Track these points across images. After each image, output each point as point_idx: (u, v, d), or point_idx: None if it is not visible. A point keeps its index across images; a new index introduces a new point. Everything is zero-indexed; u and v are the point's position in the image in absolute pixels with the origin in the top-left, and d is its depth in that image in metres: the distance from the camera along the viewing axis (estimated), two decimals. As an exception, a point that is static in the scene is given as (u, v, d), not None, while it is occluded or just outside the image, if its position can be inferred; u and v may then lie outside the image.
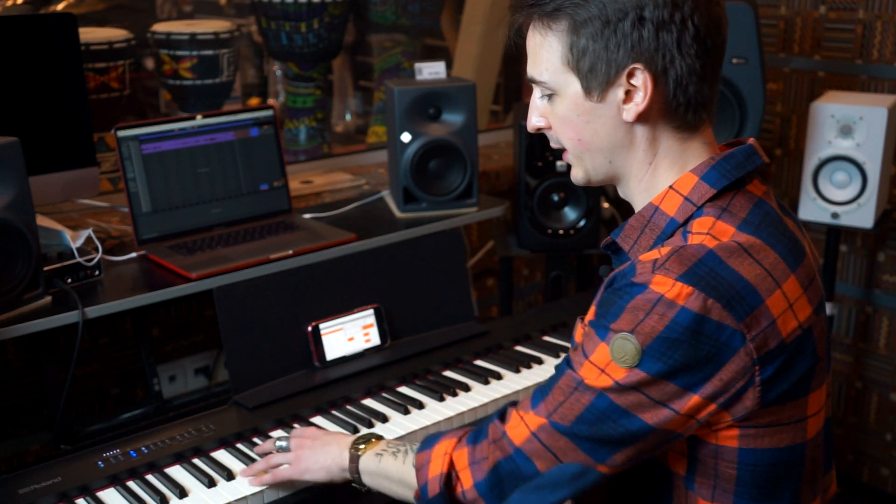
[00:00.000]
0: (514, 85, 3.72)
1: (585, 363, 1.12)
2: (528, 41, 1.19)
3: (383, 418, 1.72)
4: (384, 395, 1.82)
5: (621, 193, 1.24)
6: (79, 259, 1.79)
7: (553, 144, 1.25)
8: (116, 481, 1.55)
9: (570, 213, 2.42)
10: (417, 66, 2.26)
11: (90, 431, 1.86)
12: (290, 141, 3.00)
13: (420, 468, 1.28)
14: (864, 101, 2.55)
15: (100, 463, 1.58)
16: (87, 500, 1.50)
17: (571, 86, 1.15)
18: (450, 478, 1.24)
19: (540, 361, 1.94)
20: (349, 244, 2.02)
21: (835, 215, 2.56)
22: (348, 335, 1.92)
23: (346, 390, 1.81)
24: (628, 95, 1.12)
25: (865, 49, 2.83)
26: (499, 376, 1.87)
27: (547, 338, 2.06)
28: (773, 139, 3.07)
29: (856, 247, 2.96)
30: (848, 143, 2.52)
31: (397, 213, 2.25)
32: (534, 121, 1.22)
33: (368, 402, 1.80)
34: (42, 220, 1.87)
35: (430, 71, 2.26)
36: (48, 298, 1.72)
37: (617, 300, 1.09)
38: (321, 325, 1.89)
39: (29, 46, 1.90)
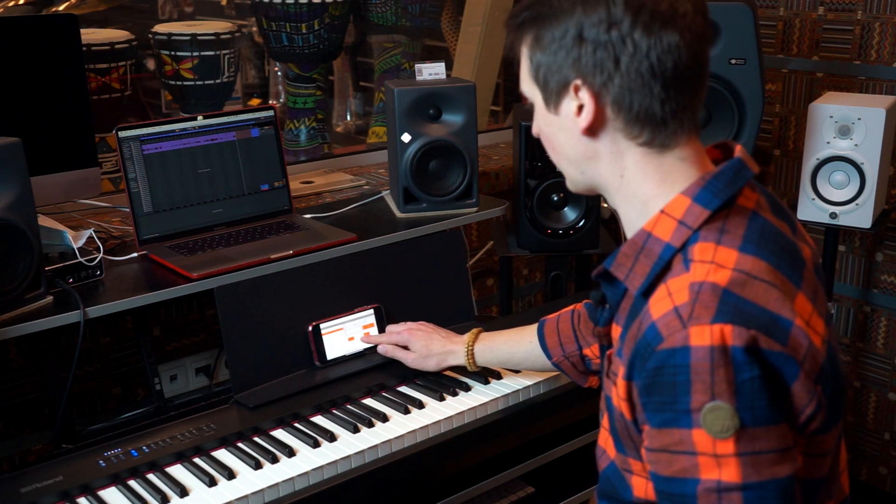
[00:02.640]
0: (513, 85, 3.73)
1: (700, 460, 1.02)
2: None
3: (384, 418, 1.73)
4: (384, 394, 1.82)
5: (609, 203, 1.23)
6: (80, 259, 1.80)
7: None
8: (118, 480, 1.55)
9: (569, 213, 2.43)
10: (417, 66, 2.27)
11: (91, 431, 1.86)
12: (290, 141, 3.01)
13: None
14: (862, 102, 2.56)
15: (101, 462, 1.58)
16: (88, 499, 1.51)
17: (537, 98, 1.19)
18: None
19: (539, 361, 1.94)
20: (349, 244, 2.03)
21: (833, 215, 2.57)
22: (349, 335, 1.93)
23: (346, 390, 1.82)
24: (580, 109, 1.13)
25: (864, 50, 2.84)
26: (499, 376, 1.88)
27: (546, 337, 2.06)
28: (771, 140, 3.08)
29: (854, 247, 2.97)
30: (846, 144, 2.53)
31: (397, 213, 2.26)
32: (533, 129, 1.26)
33: (369, 401, 1.81)
34: (44, 221, 1.87)
35: (430, 71, 2.26)
36: (50, 298, 1.73)
37: (672, 379, 1.02)
38: (322, 325, 1.90)
39: (30, 47, 1.90)
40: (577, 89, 1.12)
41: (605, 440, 1.27)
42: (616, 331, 1.22)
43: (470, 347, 1.80)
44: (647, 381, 1.05)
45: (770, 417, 1.01)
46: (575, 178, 1.22)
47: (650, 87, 1.09)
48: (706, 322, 1.01)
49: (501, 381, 1.86)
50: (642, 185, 1.15)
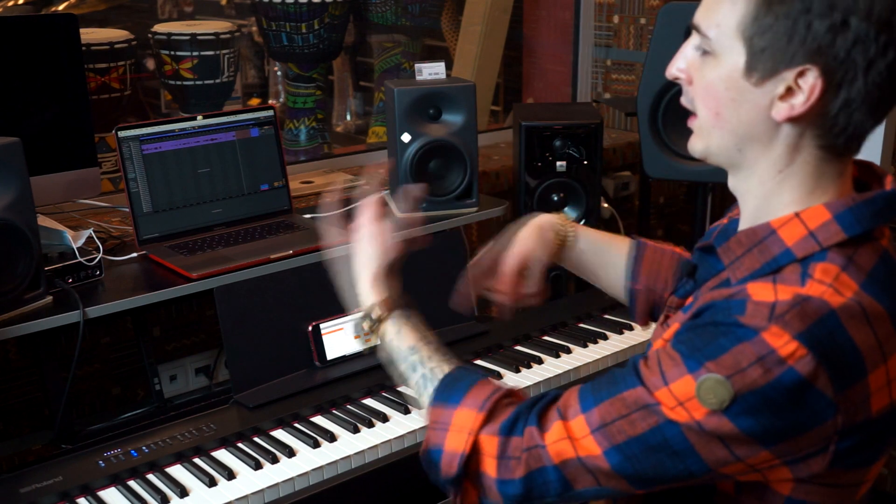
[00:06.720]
0: (514, 85, 3.73)
1: (663, 389, 1.01)
2: None
3: (384, 417, 1.72)
4: (384, 394, 1.82)
5: (731, 185, 1.12)
6: (80, 259, 1.80)
7: (684, 102, 1.11)
8: (117, 481, 1.55)
9: (569, 214, 2.42)
10: (417, 66, 2.27)
11: (91, 431, 1.86)
12: (290, 141, 3.01)
13: (435, 428, 1.15)
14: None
15: (101, 462, 1.58)
16: (88, 500, 1.51)
17: (735, 56, 1.04)
18: (471, 458, 1.12)
19: (540, 361, 1.94)
20: (349, 244, 2.02)
21: (834, 215, 2.57)
22: (349, 335, 1.93)
23: (346, 390, 1.82)
24: (788, 92, 1.01)
25: (864, 49, 2.83)
26: (499, 376, 1.88)
27: (547, 337, 2.07)
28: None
29: (855, 247, 2.97)
30: (847, 144, 2.53)
31: (397, 214, 2.26)
32: (674, 69, 1.10)
33: (369, 401, 1.80)
34: (43, 221, 1.87)
35: (430, 71, 2.26)
36: (49, 298, 1.72)
37: (719, 338, 0.99)
38: (321, 325, 1.89)
39: (30, 47, 1.90)
40: (801, 74, 1.00)
41: None
42: None
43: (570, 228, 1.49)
44: (700, 326, 1.02)
45: (749, 430, 0.98)
46: (723, 150, 1.09)
47: (880, 100, 1.01)
48: (790, 332, 0.96)
49: (501, 380, 1.86)
50: (797, 188, 1.07)
